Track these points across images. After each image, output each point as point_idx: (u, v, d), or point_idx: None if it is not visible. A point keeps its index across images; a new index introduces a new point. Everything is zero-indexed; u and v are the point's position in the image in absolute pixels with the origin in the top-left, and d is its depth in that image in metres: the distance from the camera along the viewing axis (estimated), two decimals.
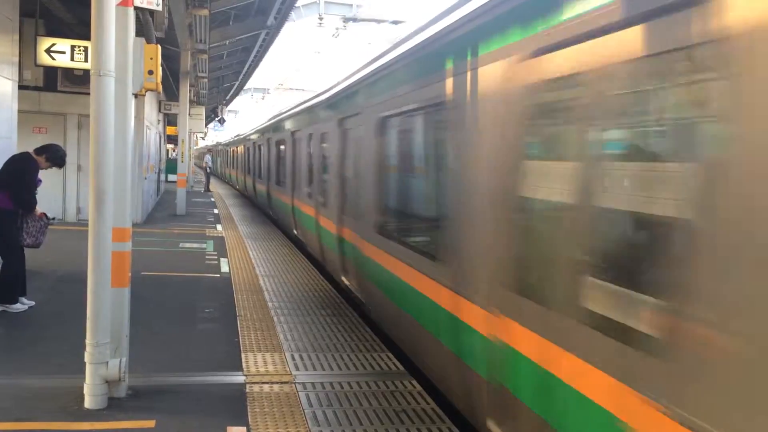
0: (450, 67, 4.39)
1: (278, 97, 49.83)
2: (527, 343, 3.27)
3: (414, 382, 5.22)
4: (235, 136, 34.49)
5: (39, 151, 7.01)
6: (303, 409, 4.53)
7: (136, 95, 5.08)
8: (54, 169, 7.30)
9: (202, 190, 29.95)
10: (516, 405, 3.38)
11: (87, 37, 4.36)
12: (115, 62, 4.41)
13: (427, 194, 5.37)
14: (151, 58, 4.96)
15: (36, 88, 13.74)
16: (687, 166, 2.39)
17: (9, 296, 6.76)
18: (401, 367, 5.56)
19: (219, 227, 15.36)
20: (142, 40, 4.87)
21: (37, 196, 7.00)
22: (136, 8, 7.17)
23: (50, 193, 13.02)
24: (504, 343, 3.50)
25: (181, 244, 12.33)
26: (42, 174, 7.10)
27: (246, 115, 65.76)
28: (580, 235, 2.89)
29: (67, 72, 13.47)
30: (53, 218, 7.16)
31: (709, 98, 2.28)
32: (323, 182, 9.39)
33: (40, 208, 6.99)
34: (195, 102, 26.51)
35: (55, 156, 7.10)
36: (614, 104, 2.72)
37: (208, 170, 31.83)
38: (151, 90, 5.10)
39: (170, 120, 27.82)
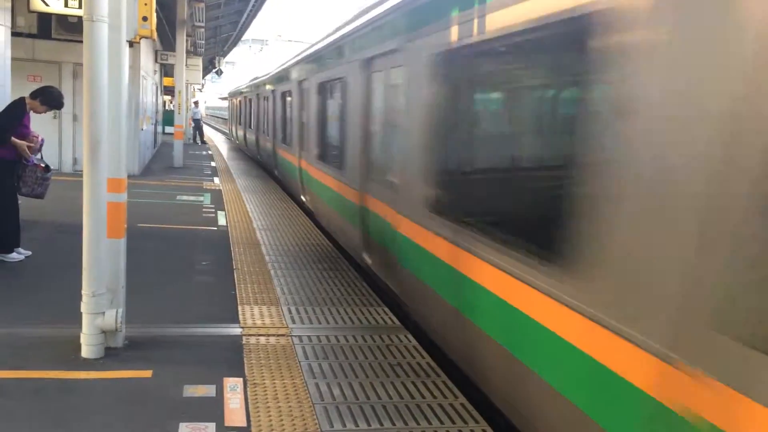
0: None
1: (277, 49, 49.10)
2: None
3: (409, 336, 5.25)
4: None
5: (34, 94, 6.84)
6: (299, 362, 4.56)
7: (131, 43, 4.96)
8: (50, 119, 7.20)
9: (199, 142, 29.74)
10: None
11: None
12: (108, 8, 4.29)
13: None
14: (146, 4, 4.83)
15: (30, 35, 13.46)
16: None
17: (5, 246, 6.74)
18: (397, 322, 5.59)
19: (216, 180, 15.29)
20: None
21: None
22: None
23: (46, 143, 12.87)
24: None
25: (178, 197, 12.27)
26: (38, 124, 7.00)
27: (244, 67, 64.87)
28: None
29: (62, 19, 13.15)
30: (51, 170, 7.10)
31: None
32: (280, 126, 14.58)
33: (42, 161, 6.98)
34: (192, 52, 26.03)
35: (50, 97, 6.89)
36: None
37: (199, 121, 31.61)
38: (146, 37, 4.98)
39: (167, 71, 27.42)
